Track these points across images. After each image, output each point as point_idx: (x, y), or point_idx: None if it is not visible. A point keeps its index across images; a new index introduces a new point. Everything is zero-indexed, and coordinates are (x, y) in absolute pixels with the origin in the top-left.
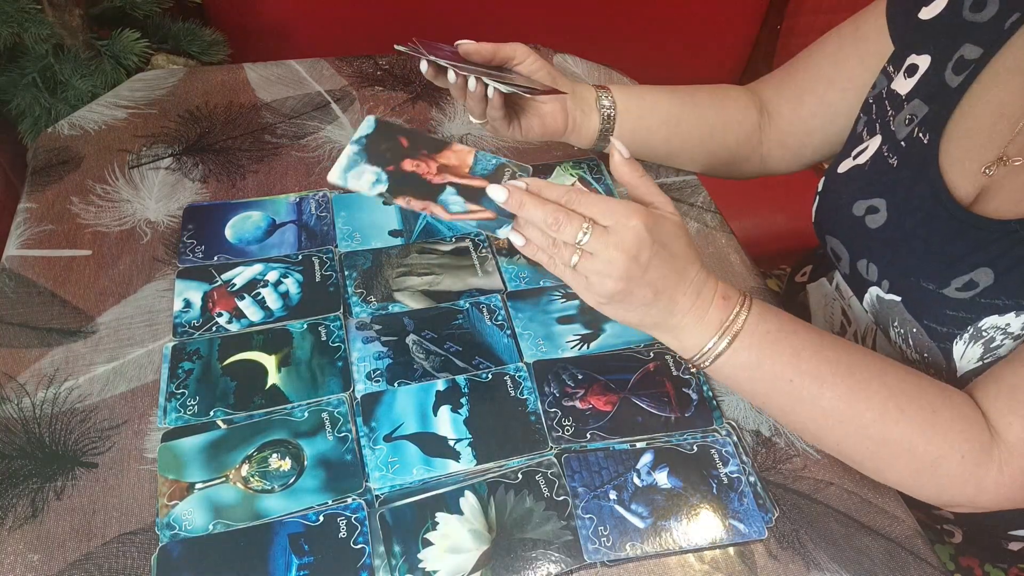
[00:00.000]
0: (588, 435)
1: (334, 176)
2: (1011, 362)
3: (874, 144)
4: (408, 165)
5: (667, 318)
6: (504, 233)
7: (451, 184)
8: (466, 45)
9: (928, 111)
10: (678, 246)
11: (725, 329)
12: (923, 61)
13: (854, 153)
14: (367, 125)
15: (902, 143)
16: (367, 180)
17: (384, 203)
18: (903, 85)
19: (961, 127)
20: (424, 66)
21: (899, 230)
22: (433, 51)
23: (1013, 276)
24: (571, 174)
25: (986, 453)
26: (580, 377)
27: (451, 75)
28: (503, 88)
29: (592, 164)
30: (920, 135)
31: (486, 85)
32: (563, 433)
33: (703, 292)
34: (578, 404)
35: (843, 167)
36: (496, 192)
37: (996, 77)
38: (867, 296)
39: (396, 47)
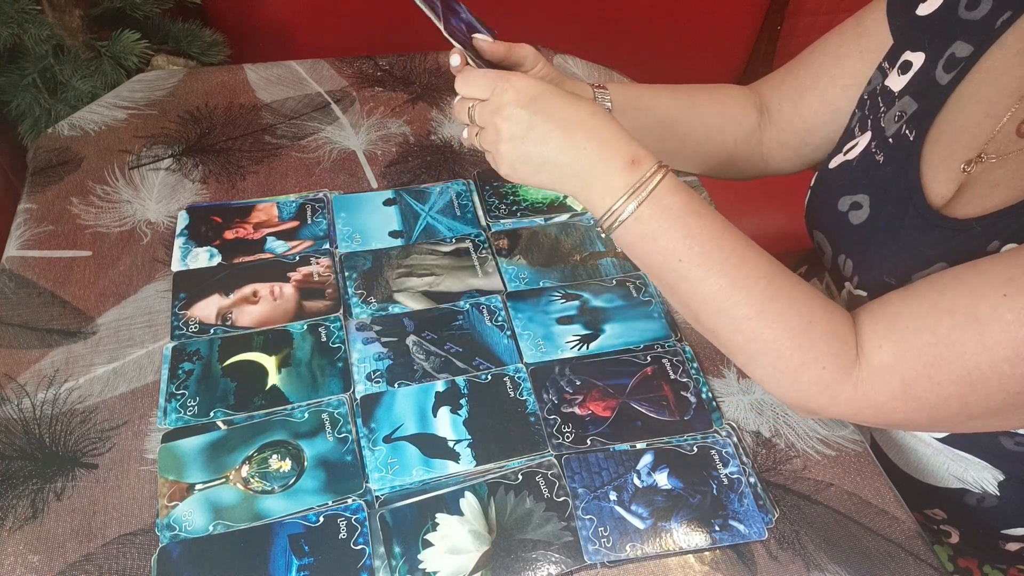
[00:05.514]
0: (588, 441)
1: (176, 266)
2: (904, 292)
3: (864, 140)
4: (229, 235)
5: (576, 165)
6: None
7: (269, 235)
8: (480, 42)
9: (917, 108)
10: (557, 102)
11: (632, 193)
12: (917, 58)
13: (845, 149)
14: (183, 218)
15: (890, 139)
16: (203, 259)
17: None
18: (896, 82)
19: (947, 125)
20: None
21: (876, 226)
22: (448, 13)
23: None
24: None
25: (846, 371)
26: (578, 383)
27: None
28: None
29: None
30: (907, 132)
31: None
32: (563, 440)
33: (610, 140)
34: (577, 410)
35: (834, 163)
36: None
37: (984, 75)
38: (843, 292)
39: None
